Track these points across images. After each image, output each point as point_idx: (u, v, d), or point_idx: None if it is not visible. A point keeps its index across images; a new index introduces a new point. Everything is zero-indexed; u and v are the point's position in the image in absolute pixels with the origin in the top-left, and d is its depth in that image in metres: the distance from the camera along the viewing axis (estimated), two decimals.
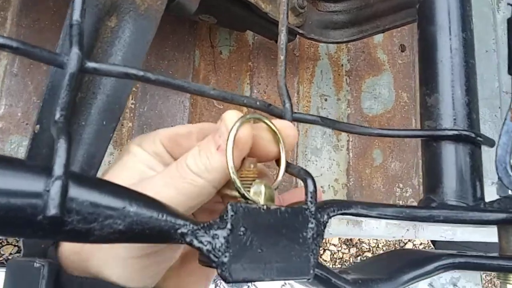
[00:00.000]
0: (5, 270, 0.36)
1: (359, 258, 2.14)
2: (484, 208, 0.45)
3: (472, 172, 0.47)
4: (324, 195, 0.73)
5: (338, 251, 2.14)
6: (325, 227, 0.38)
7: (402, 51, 0.83)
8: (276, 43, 0.68)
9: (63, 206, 0.27)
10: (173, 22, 0.68)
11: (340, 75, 0.79)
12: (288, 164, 0.39)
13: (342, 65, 0.79)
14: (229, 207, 0.31)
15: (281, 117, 0.44)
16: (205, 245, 0.31)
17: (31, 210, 0.26)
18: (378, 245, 2.24)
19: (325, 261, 2.11)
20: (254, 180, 0.37)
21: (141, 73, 0.35)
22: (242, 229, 0.32)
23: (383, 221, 0.75)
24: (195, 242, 0.31)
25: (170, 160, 0.35)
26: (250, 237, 0.32)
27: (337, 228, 0.73)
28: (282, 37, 0.47)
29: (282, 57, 0.46)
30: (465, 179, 0.47)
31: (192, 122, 0.67)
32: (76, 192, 0.28)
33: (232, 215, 0.31)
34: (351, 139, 0.76)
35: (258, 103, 0.43)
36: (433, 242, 1.31)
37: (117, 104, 0.46)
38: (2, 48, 0.29)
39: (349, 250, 2.19)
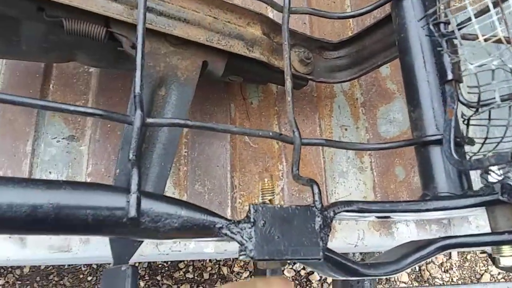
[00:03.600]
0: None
1: None
2: (470, 195, 0.55)
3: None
4: None
5: None
6: (331, 221, 0.50)
7: None
8: (294, 88, 0.83)
9: (138, 211, 0.42)
10: (211, 84, 0.86)
11: (356, 107, 0.91)
12: (296, 176, 0.53)
13: (357, 98, 0.92)
14: (251, 207, 0.45)
15: (291, 143, 0.58)
16: (236, 235, 0.45)
17: (119, 214, 0.42)
18: (452, 278, 2.17)
19: None
20: (272, 192, 0.51)
21: (182, 121, 0.51)
22: (262, 222, 0.46)
23: (413, 228, 0.83)
24: (229, 233, 0.45)
25: None
26: (268, 228, 0.46)
27: (371, 240, 0.82)
28: (288, 83, 0.62)
29: (289, 98, 0.61)
30: (451, 174, 0.57)
31: (234, 161, 0.83)
32: (146, 202, 0.43)
33: (253, 213, 0.45)
34: (373, 160, 0.87)
35: (271, 133, 0.57)
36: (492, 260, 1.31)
37: (171, 149, 0.63)
38: (92, 115, 0.46)
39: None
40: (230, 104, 0.87)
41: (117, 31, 0.58)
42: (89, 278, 1.85)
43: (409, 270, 2.08)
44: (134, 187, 0.43)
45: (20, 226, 0.39)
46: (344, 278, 0.53)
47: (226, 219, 0.46)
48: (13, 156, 0.78)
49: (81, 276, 1.88)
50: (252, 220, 0.45)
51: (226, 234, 0.45)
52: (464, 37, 0.44)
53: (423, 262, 2.08)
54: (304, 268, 1.95)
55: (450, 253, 2.14)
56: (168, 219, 0.44)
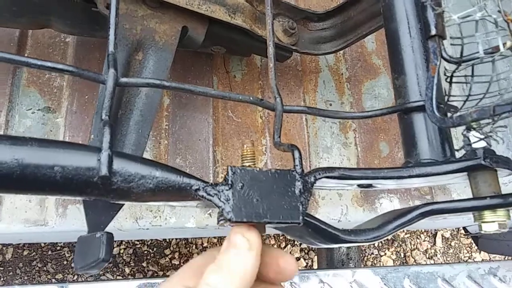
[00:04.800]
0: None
1: None
2: (452, 160, 0.54)
3: (440, 134, 0.56)
4: None
5: None
6: (312, 186, 0.49)
7: None
8: (278, 61, 0.81)
9: (110, 170, 0.40)
10: (192, 56, 0.84)
11: (341, 82, 0.90)
12: (277, 143, 0.51)
13: (342, 73, 0.91)
14: (229, 169, 0.43)
15: (273, 109, 0.56)
16: (213, 197, 0.43)
17: (90, 173, 0.40)
18: None
19: None
20: (252, 158, 0.49)
21: (158, 81, 0.49)
22: (240, 184, 0.44)
23: (397, 204, 0.82)
24: (205, 195, 0.43)
25: None
26: (247, 191, 0.44)
27: (355, 215, 0.81)
28: (270, 49, 0.60)
29: (271, 65, 0.59)
30: (434, 140, 0.56)
31: (216, 135, 0.81)
32: (118, 161, 0.41)
33: (231, 175, 0.43)
34: (357, 136, 0.86)
35: (251, 98, 0.56)
36: (476, 242, 1.33)
37: (149, 116, 0.61)
38: (61, 71, 0.44)
39: None
40: (212, 77, 0.85)
41: None
42: (73, 265, 1.83)
43: (394, 256, 2.11)
44: (105, 145, 0.41)
45: None
46: (325, 246, 0.52)
47: (203, 181, 0.44)
48: None
49: (65, 262, 1.85)
50: (230, 182, 0.43)
51: (202, 196, 0.43)
52: None
53: (408, 250, 2.10)
54: (290, 254, 1.94)
55: (434, 239, 2.17)
56: (141, 180, 0.42)
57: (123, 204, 0.56)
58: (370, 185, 0.60)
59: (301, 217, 0.45)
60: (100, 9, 0.56)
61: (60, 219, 0.71)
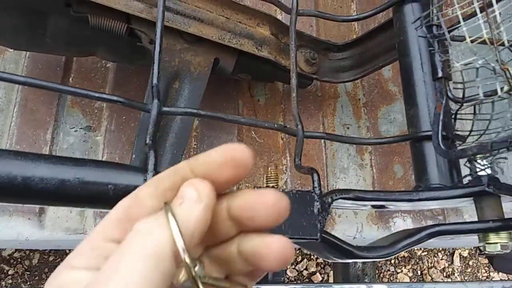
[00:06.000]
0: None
1: None
2: (459, 186, 0.59)
3: (448, 161, 0.61)
4: None
5: None
6: (329, 206, 0.54)
7: None
8: (299, 88, 0.87)
9: None
10: (220, 81, 0.91)
11: (358, 107, 0.96)
12: (298, 166, 0.57)
13: (359, 99, 0.97)
14: None
15: (295, 135, 0.63)
16: None
17: None
18: None
19: None
20: (275, 180, 0.56)
21: (194, 110, 0.56)
22: None
23: (410, 223, 0.87)
24: None
25: None
26: None
27: (369, 233, 0.86)
28: (293, 80, 0.66)
29: (294, 94, 0.66)
30: (443, 167, 0.61)
31: None
32: None
33: None
34: (373, 158, 0.91)
35: (276, 125, 0.62)
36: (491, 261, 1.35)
37: (183, 139, 0.68)
38: (115, 102, 0.51)
39: None
40: (238, 101, 0.92)
41: (137, 28, 0.63)
42: None
43: (410, 273, 2.12)
44: (151, 166, 0.48)
45: (49, 197, 0.44)
46: (340, 260, 0.57)
47: None
48: (34, 143, 0.83)
49: None
50: None
51: None
52: (453, 38, 0.49)
53: (425, 268, 2.10)
54: (306, 269, 1.98)
55: (452, 258, 2.17)
56: None
57: None
58: (382, 206, 0.65)
59: (318, 234, 0.51)
60: (144, 44, 0.64)
61: None
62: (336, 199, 0.56)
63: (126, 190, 0.46)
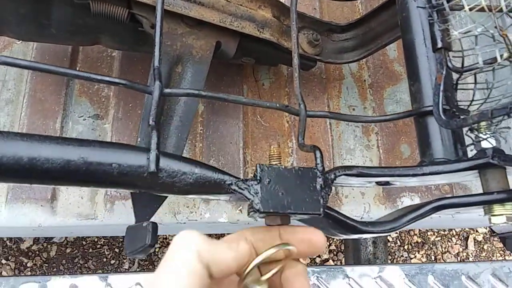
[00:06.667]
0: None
1: None
2: (464, 159, 0.58)
3: (452, 135, 0.61)
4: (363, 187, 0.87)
5: None
6: (332, 182, 0.54)
7: None
8: (303, 70, 0.87)
9: (157, 166, 0.47)
10: (224, 67, 0.91)
11: (364, 88, 0.95)
12: (301, 145, 0.57)
13: (365, 80, 0.96)
14: (257, 166, 0.49)
15: (297, 114, 0.63)
16: (243, 190, 0.49)
17: (141, 169, 0.47)
18: None
19: None
20: (278, 158, 0.56)
21: (196, 91, 0.56)
22: (267, 180, 0.50)
23: (417, 200, 0.87)
24: (237, 189, 0.50)
25: None
26: (273, 186, 0.50)
27: (377, 213, 0.86)
28: (295, 60, 0.66)
29: (296, 74, 0.66)
30: (447, 141, 0.61)
31: (246, 138, 0.88)
32: (164, 160, 0.49)
33: (260, 171, 0.50)
34: (379, 138, 0.91)
35: (278, 104, 0.62)
36: (503, 242, 1.34)
37: (187, 122, 0.68)
38: (117, 84, 0.52)
39: None
40: (243, 86, 0.92)
41: (138, 12, 0.64)
42: (112, 262, 1.94)
43: (424, 259, 2.11)
44: (153, 146, 0.48)
45: (55, 176, 0.45)
46: (345, 236, 0.58)
47: (235, 177, 0.51)
48: (44, 132, 0.85)
49: (104, 259, 1.97)
50: (258, 177, 0.49)
51: (235, 190, 0.50)
52: (451, 8, 0.48)
53: (439, 253, 2.09)
54: (319, 256, 1.99)
55: (466, 243, 2.16)
56: (183, 176, 0.49)
57: (165, 198, 0.64)
58: (387, 183, 0.65)
59: (321, 209, 0.51)
60: (146, 28, 0.64)
61: (108, 214, 0.80)
62: (339, 175, 0.56)
63: (129, 169, 0.47)
